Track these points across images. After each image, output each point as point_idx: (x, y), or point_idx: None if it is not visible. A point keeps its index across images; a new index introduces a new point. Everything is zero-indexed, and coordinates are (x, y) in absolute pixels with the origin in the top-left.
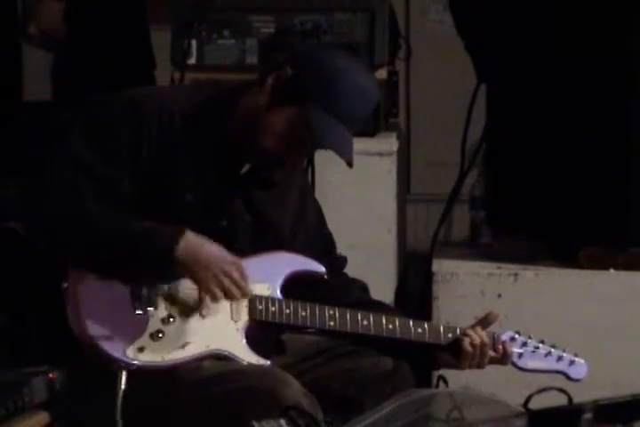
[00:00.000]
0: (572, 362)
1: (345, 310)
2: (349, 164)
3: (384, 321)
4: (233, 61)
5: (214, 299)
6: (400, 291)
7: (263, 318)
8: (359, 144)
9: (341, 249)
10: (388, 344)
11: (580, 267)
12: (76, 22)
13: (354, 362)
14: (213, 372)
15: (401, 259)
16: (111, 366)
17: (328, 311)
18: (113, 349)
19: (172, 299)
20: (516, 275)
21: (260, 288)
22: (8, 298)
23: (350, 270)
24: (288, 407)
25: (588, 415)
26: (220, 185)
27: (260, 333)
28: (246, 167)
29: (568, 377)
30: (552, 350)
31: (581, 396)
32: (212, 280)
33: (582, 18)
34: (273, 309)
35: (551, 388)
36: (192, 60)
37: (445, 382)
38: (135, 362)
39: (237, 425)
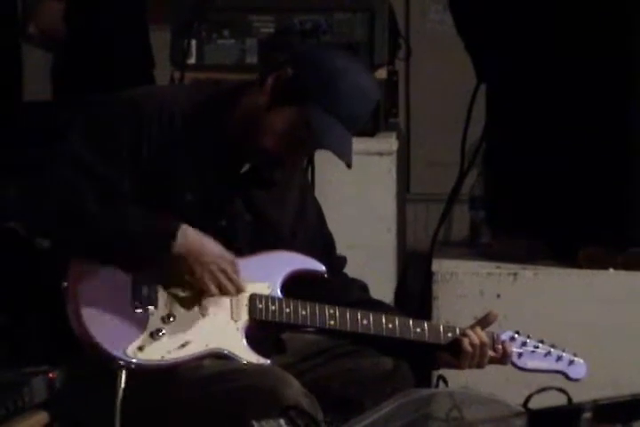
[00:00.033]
0: (571, 362)
1: (345, 309)
2: (348, 165)
3: (384, 321)
4: (233, 61)
5: (210, 294)
6: (400, 291)
7: (263, 318)
8: (359, 144)
9: (341, 249)
10: (387, 344)
11: (580, 267)
12: (76, 22)
13: (354, 362)
14: (213, 371)
15: (401, 259)
16: (111, 365)
17: (328, 311)
18: (113, 348)
19: (172, 298)
20: (515, 275)
21: (260, 287)
22: (8, 298)
23: (350, 270)
24: (288, 407)
25: (587, 415)
26: (219, 185)
27: (260, 332)
28: (246, 167)
29: (567, 377)
30: (551, 349)
31: (581, 396)
32: (208, 276)
33: (582, 18)
34: (273, 308)
35: (551, 388)
36: (192, 60)
37: (445, 381)
38: (135, 361)
39: (237, 424)
